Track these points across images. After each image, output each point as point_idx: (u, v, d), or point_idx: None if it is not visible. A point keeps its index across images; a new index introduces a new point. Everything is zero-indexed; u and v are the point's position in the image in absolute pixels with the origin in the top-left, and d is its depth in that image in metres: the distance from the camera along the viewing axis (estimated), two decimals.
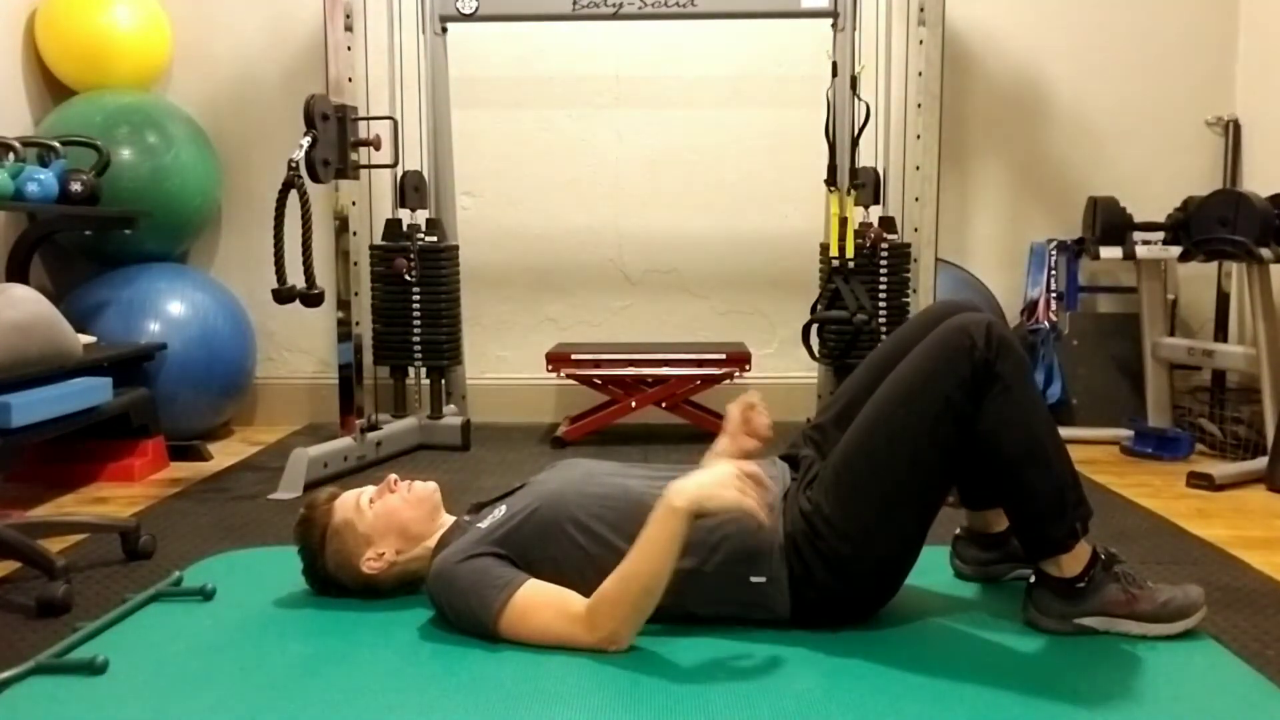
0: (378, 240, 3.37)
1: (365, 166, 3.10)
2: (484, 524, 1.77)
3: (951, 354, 1.63)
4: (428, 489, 1.88)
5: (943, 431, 1.63)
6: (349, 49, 3.09)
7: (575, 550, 1.68)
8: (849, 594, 1.71)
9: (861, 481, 1.66)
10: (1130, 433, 3.31)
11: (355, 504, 1.84)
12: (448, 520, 1.89)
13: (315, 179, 2.85)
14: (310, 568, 1.89)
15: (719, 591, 1.71)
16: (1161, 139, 3.77)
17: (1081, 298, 3.71)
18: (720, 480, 1.57)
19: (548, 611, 1.64)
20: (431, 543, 1.84)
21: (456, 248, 3.46)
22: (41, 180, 2.89)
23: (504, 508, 1.79)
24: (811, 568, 1.67)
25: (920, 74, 3.12)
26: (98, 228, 3.28)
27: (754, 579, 1.69)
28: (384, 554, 1.83)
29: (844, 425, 1.77)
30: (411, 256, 3.29)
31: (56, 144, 3.07)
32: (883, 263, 3.21)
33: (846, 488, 1.66)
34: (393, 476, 1.89)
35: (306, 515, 1.87)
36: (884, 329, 3.20)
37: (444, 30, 3.45)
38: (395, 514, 1.83)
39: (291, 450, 2.87)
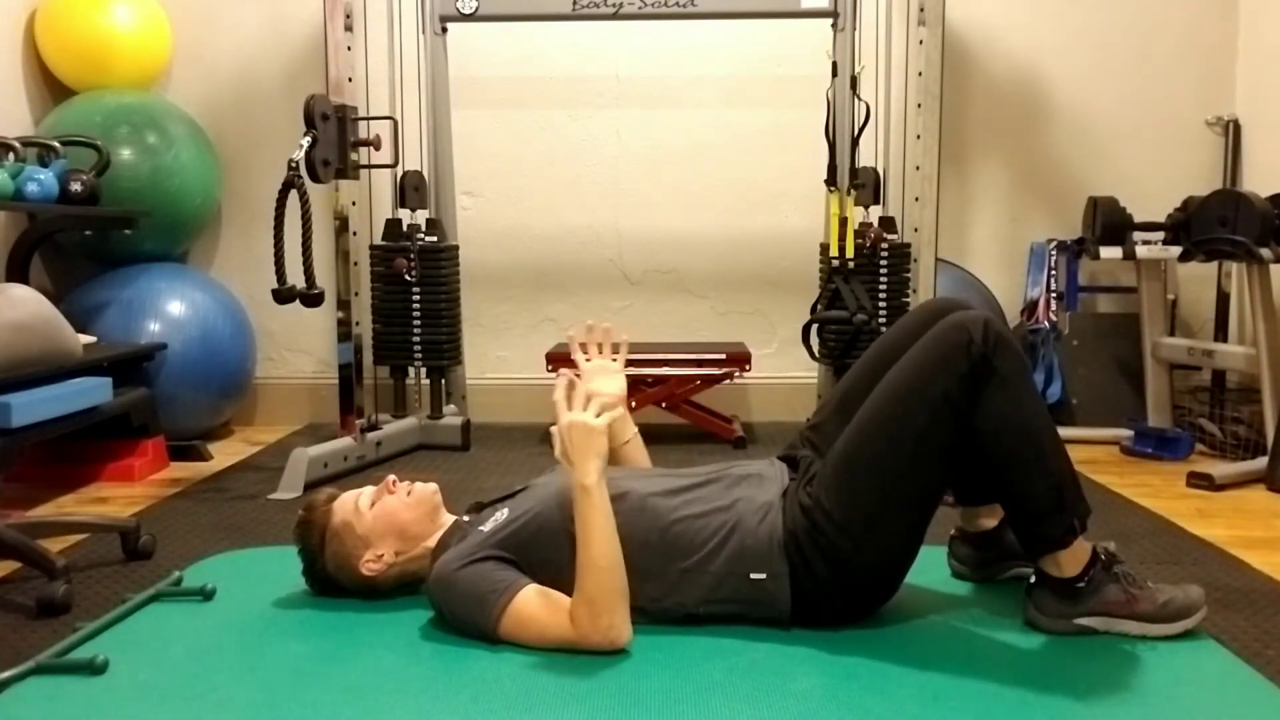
0: (378, 240, 3.37)
1: (365, 166, 3.10)
2: (486, 527, 1.76)
3: (949, 350, 1.64)
4: (427, 490, 1.87)
5: (941, 426, 1.64)
6: (349, 49, 3.09)
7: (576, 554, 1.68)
8: (849, 590, 1.72)
9: (861, 476, 1.67)
10: (1130, 433, 3.31)
11: (354, 506, 1.84)
12: (448, 520, 1.88)
13: (315, 179, 2.85)
14: (310, 569, 1.89)
15: (720, 590, 1.71)
16: (1161, 139, 3.77)
17: (1081, 298, 3.71)
18: (583, 436, 1.66)
19: (544, 618, 1.64)
20: (431, 543, 1.83)
21: (456, 248, 3.46)
22: (41, 180, 2.89)
23: (506, 510, 1.79)
24: (812, 563, 1.68)
25: (920, 74, 3.12)
26: (98, 228, 3.28)
27: (754, 576, 1.70)
28: (382, 555, 1.82)
29: (841, 423, 1.77)
30: (411, 256, 3.29)
31: (56, 144, 3.07)
32: (883, 263, 3.21)
33: (846, 483, 1.67)
34: (391, 477, 1.89)
35: (305, 517, 1.87)
36: (884, 329, 3.20)
37: (444, 30, 3.45)
38: (394, 516, 1.83)
39: (291, 450, 2.87)
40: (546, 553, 1.70)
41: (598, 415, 1.67)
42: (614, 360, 2.03)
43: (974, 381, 1.62)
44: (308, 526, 1.86)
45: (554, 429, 1.69)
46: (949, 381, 1.63)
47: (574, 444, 1.66)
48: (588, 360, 2.03)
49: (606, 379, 2.00)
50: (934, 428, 1.64)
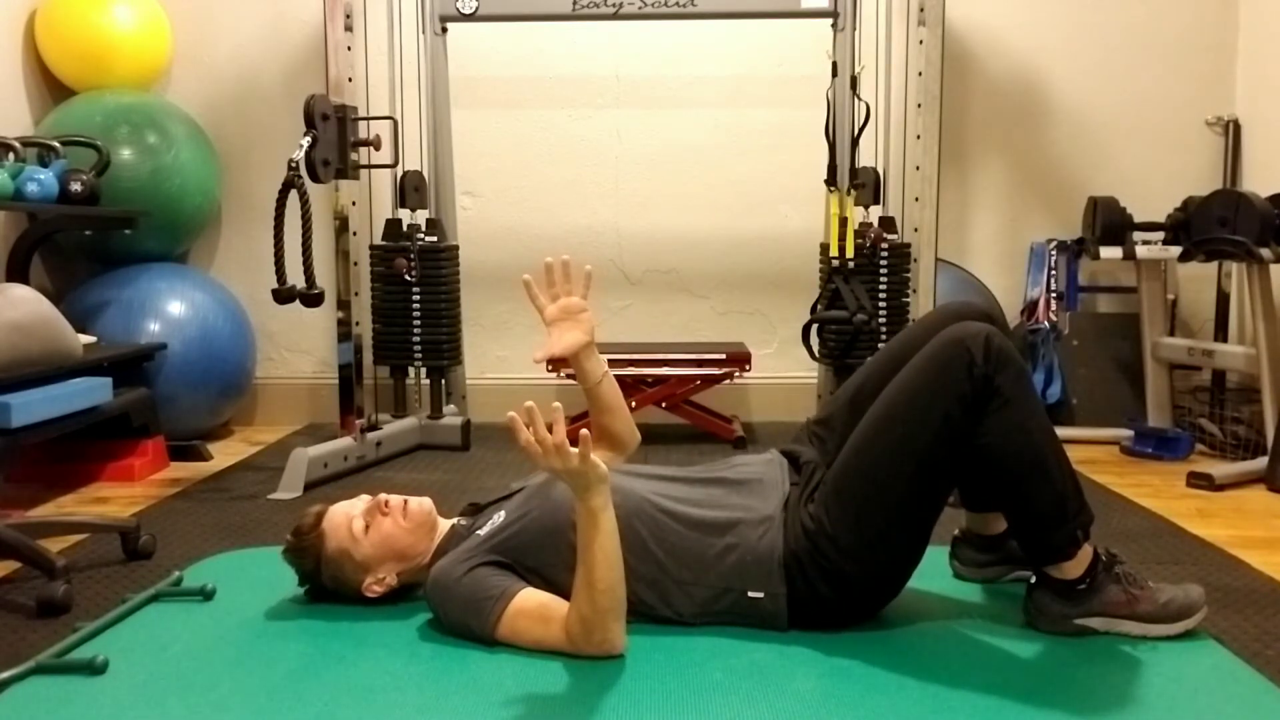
0: (378, 240, 3.37)
1: (365, 166, 3.10)
2: (483, 530, 1.76)
3: (950, 369, 1.62)
4: (423, 511, 1.81)
5: (942, 446, 1.63)
6: (349, 49, 3.09)
7: (573, 556, 1.65)
8: (849, 604, 1.72)
9: (863, 498, 1.66)
10: (1130, 433, 3.31)
11: (348, 532, 1.77)
12: (445, 527, 1.85)
13: (315, 179, 2.85)
14: (305, 585, 1.87)
15: (717, 603, 1.71)
16: (1161, 139, 3.77)
17: (1081, 298, 3.71)
18: (577, 478, 1.54)
19: (539, 627, 1.64)
20: (429, 555, 1.81)
21: (456, 248, 3.46)
22: (41, 180, 2.89)
23: (503, 513, 1.77)
24: (814, 583, 1.68)
25: (920, 74, 3.12)
26: (98, 228, 3.28)
27: (752, 594, 1.69)
28: (384, 579, 1.80)
29: (851, 420, 1.76)
30: (411, 256, 3.29)
31: (56, 144, 3.07)
32: (883, 263, 3.21)
33: (848, 505, 1.66)
34: (383, 497, 1.81)
35: (295, 544, 1.81)
36: (884, 329, 3.20)
37: (444, 30, 3.45)
38: (392, 541, 1.78)
39: (291, 450, 2.87)
40: (543, 556, 1.69)
41: (577, 451, 1.51)
42: (579, 299, 1.90)
43: (976, 401, 1.61)
44: (300, 554, 1.82)
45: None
46: (950, 402, 1.61)
47: (573, 484, 1.56)
48: (551, 304, 1.91)
49: (572, 328, 1.89)
50: (935, 448, 1.63)
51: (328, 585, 1.84)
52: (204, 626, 1.80)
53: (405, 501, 1.81)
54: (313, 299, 2.76)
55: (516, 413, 1.51)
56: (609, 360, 3.36)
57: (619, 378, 3.40)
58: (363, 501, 1.83)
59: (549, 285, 1.90)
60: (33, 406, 2.37)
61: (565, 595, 1.64)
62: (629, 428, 2.03)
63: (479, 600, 1.66)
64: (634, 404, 3.40)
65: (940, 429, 1.62)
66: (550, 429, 1.51)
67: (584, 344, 1.91)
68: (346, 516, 1.80)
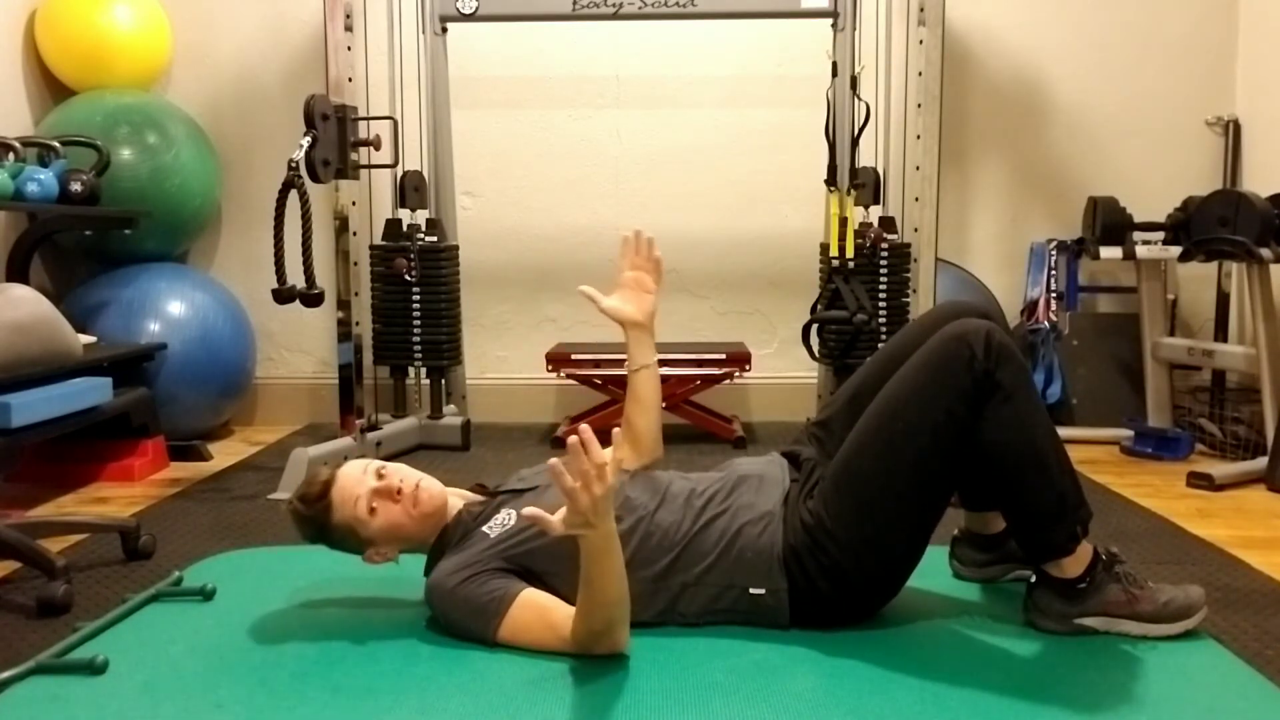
0: (378, 240, 3.37)
1: (365, 166, 3.10)
2: (492, 532, 1.74)
3: (951, 365, 1.62)
4: (435, 502, 1.78)
5: (944, 442, 1.63)
6: (349, 49, 3.09)
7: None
8: (850, 601, 1.72)
9: (863, 493, 1.65)
10: (1130, 433, 3.31)
11: (354, 511, 1.73)
12: (454, 507, 1.82)
13: (315, 179, 2.85)
14: (307, 540, 1.83)
15: (720, 602, 1.71)
16: (1161, 139, 3.77)
17: (1081, 298, 3.71)
18: (605, 505, 1.46)
19: (541, 631, 1.63)
20: (435, 535, 1.80)
21: (456, 248, 3.46)
22: (41, 180, 2.89)
23: (513, 517, 1.75)
24: (813, 579, 1.68)
25: (920, 74, 3.12)
26: (98, 228, 3.28)
27: (753, 591, 1.69)
28: (387, 554, 1.80)
29: (849, 421, 1.76)
30: (411, 256, 3.29)
31: (56, 144, 3.07)
32: (883, 263, 3.21)
33: (849, 500, 1.66)
34: (394, 480, 1.76)
35: (302, 512, 1.77)
36: (884, 329, 3.20)
37: (444, 30, 3.45)
38: (399, 529, 1.76)
39: (291, 450, 2.87)
40: (552, 564, 1.68)
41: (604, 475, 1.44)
42: (651, 277, 2.01)
43: (977, 397, 1.61)
44: (304, 521, 1.78)
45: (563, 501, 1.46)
46: (951, 398, 1.61)
47: (600, 515, 1.45)
48: (629, 270, 2.01)
49: (638, 298, 2.00)
50: (937, 444, 1.63)
51: (330, 544, 1.80)
52: (204, 626, 1.80)
53: (417, 486, 1.76)
54: (313, 299, 2.76)
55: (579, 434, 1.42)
56: (609, 359, 3.40)
57: (619, 377, 3.43)
58: (373, 476, 1.76)
59: (632, 253, 2.02)
60: (33, 406, 2.37)
61: (572, 597, 1.61)
62: (653, 430, 1.99)
63: (480, 604, 1.66)
64: None
65: (941, 424, 1.62)
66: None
67: (634, 319, 1.98)
68: (354, 495, 1.74)
